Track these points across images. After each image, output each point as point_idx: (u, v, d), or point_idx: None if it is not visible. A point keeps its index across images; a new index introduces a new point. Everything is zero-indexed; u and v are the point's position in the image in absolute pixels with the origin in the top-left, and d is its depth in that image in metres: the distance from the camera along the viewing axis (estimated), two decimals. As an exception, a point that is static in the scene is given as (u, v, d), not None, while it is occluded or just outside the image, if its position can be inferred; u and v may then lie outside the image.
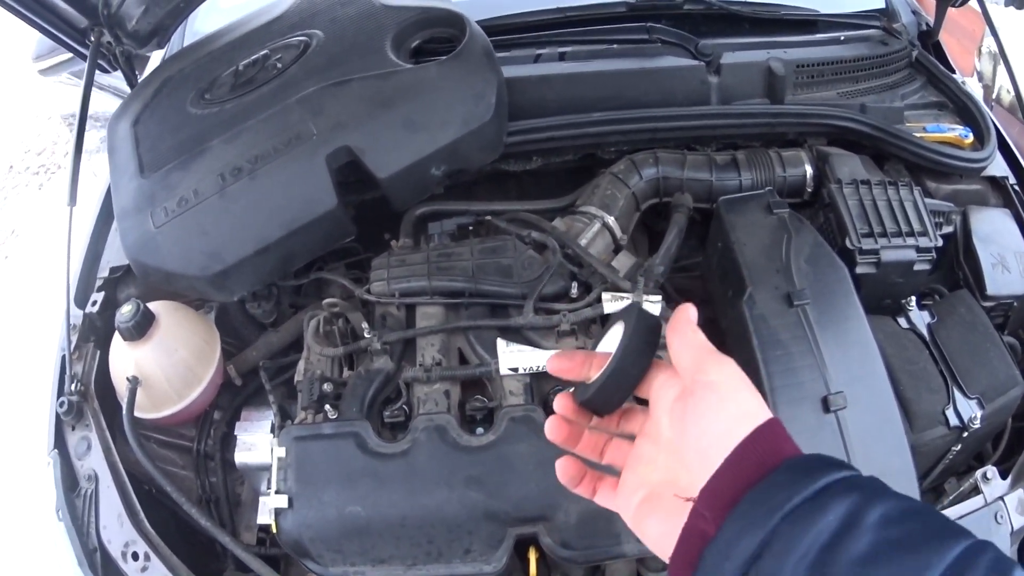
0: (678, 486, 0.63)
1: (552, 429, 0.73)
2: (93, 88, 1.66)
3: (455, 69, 1.51)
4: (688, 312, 0.68)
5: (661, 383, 0.67)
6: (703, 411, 0.61)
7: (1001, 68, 4.17)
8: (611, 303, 1.49)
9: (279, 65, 1.56)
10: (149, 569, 1.32)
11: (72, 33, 1.57)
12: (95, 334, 1.54)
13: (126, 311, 1.39)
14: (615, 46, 1.79)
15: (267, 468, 1.48)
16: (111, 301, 1.60)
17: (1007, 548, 1.32)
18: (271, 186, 1.43)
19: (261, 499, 1.52)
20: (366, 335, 1.47)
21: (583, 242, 1.59)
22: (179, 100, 1.58)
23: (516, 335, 1.49)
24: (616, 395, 0.70)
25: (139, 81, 1.76)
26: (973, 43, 4.30)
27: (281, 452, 1.32)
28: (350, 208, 1.56)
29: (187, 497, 1.37)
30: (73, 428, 1.43)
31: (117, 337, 1.43)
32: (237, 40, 1.67)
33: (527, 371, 1.42)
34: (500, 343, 1.46)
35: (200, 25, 2.03)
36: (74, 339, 1.51)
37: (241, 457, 1.49)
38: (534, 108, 1.69)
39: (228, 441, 1.60)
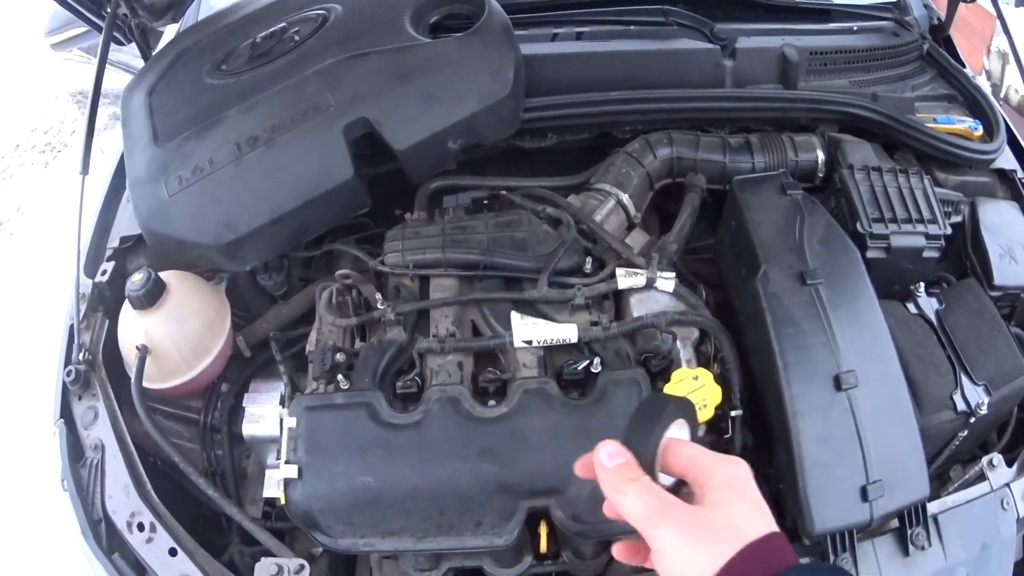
0: None
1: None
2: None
3: (474, 44, 1.51)
4: (614, 474, 0.70)
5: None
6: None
7: (1010, 67, 4.20)
8: (625, 279, 1.50)
9: (296, 38, 1.56)
10: (154, 540, 1.31)
11: (89, 3, 1.56)
12: (104, 304, 1.54)
13: (137, 279, 1.38)
14: (632, 27, 1.80)
15: (275, 440, 1.48)
16: (121, 271, 1.60)
17: (1013, 535, 1.33)
18: (288, 156, 1.43)
19: (267, 472, 1.52)
20: (379, 306, 1.47)
21: (598, 218, 1.60)
22: (195, 71, 1.58)
23: (530, 308, 1.49)
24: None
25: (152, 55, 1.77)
26: (983, 42, 4.35)
27: (292, 422, 1.31)
28: (364, 181, 1.56)
29: (193, 469, 1.37)
30: (80, 398, 1.42)
31: (127, 306, 1.43)
32: (254, 13, 1.67)
33: (541, 344, 1.42)
34: (514, 316, 1.46)
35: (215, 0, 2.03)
36: (82, 308, 1.51)
37: (249, 429, 1.48)
38: (550, 86, 1.70)
39: (235, 414, 1.59)
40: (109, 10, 1.57)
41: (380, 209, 1.65)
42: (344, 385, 1.38)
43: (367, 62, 1.49)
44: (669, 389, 1.34)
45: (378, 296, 1.49)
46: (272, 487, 1.48)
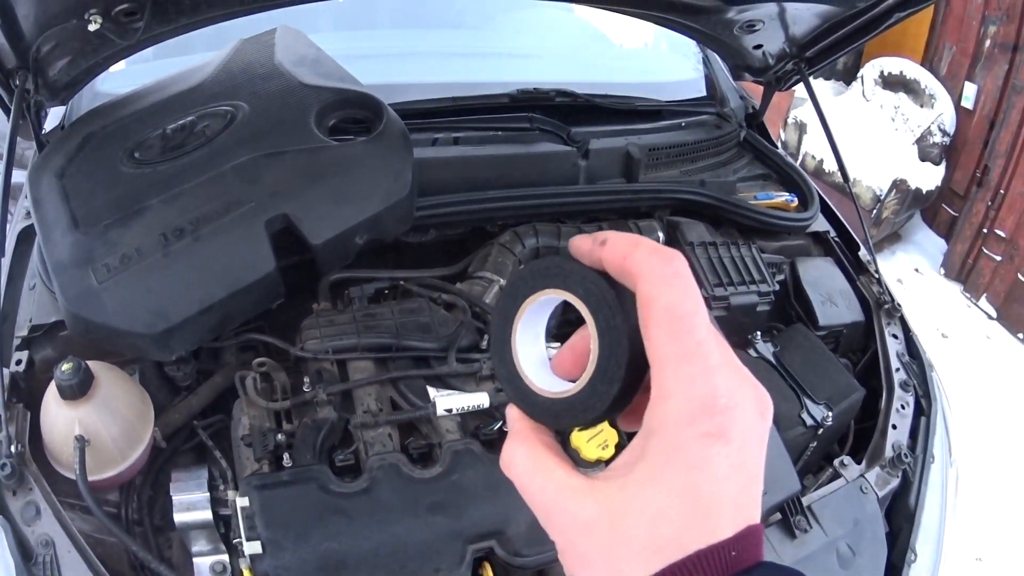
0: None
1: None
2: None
3: (378, 148, 1.67)
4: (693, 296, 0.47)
5: None
6: (674, 497, 0.45)
7: (807, 137, 4.93)
8: (519, 349, 1.70)
9: (207, 132, 1.64)
10: None
11: None
12: (18, 394, 1.51)
13: (67, 369, 1.37)
14: (501, 133, 2.05)
15: (208, 526, 1.51)
16: (31, 360, 1.58)
17: (877, 511, 1.63)
18: (214, 248, 1.50)
19: (195, 561, 1.53)
20: (306, 389, 1.57)
21: (487, 301, 1.80)
22: (107, 157, 1.61)
23: (440, 382, 1.65)
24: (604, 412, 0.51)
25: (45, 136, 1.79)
26: (779, 116, 5.08)
27: (244, 502, 1.37)
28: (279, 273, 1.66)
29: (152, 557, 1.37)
30: (15, 493, 1.38)
31: (51, 396, 1.42)
32: (160, 104, 1.74)
33: (459, 411, 1.58)
34: (431, 390, 1.62)
35: (102, 86, 2.06)
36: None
37: (181, 517, 1.49)
38: (434, 186, 1.89)
39: (154, 505, 1.60)
40: (18, 82, 1.57)
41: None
42: (287, 463, 1.46)
43: (282, 160, 1.61)
44: (574, 437, 1.54)
45: (306, 379, 1.59)
46: (204, 575, 1.50)
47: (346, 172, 1.64)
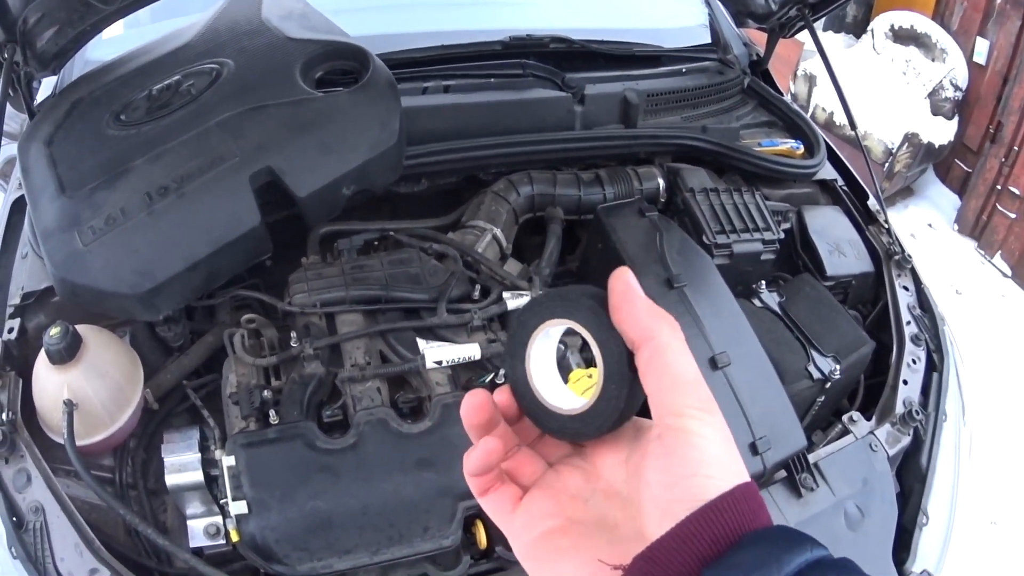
0: (615, 535, 0.53)
1: (474, 407, 0.59)
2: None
3: (363, 98, 1.63)
4: (670, 324, 0.54)
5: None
6: (675, 461, 0.50)
7: (817, 89, 4.83)
8: (513, 300, 1.67)
9: (192, 91, 1.61)
10: None
11: None
12: (11, 362, 1.50)
13: (55, 333, 1.36)
14: (493, 80, 2.00)
15: (200, 487, 1.49)
16: (24, 327, 1.57)
17: (887, 469, 1.57)
18: (198, 204, 1.48)
19: (190, 523, 1.51)
20: (293, 344, 1.54)
21: (479, 251, 1.76)
22: (94, 121, 1.59)
23: (430, 334, 1.62)
24: (600, 426, 0.57)
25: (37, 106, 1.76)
26: (789, 68, 4.96)
27: (230, 461, 1.35)
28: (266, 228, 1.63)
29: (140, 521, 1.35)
30: (7, 461, 1.37)
31: (41, 362, 1.41)
32: (145, 65, 1.71)
33: (450, 363, 1.55)
34: (420, 342, 1.58)
35: (92, 53, 2.03)
36: None
37: (173, 479, 1.46)
38: (424, 135, 1.84)
39: (148, 468, 1.58)
40: (6, 55, 1.56)
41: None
42: (274, 420, 1.44)
43: (266, 114, 1.57)
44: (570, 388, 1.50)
45: (293, 334, 1.56)
46: (198, 537, 1.47)
47: (331, 123, 1.60)
